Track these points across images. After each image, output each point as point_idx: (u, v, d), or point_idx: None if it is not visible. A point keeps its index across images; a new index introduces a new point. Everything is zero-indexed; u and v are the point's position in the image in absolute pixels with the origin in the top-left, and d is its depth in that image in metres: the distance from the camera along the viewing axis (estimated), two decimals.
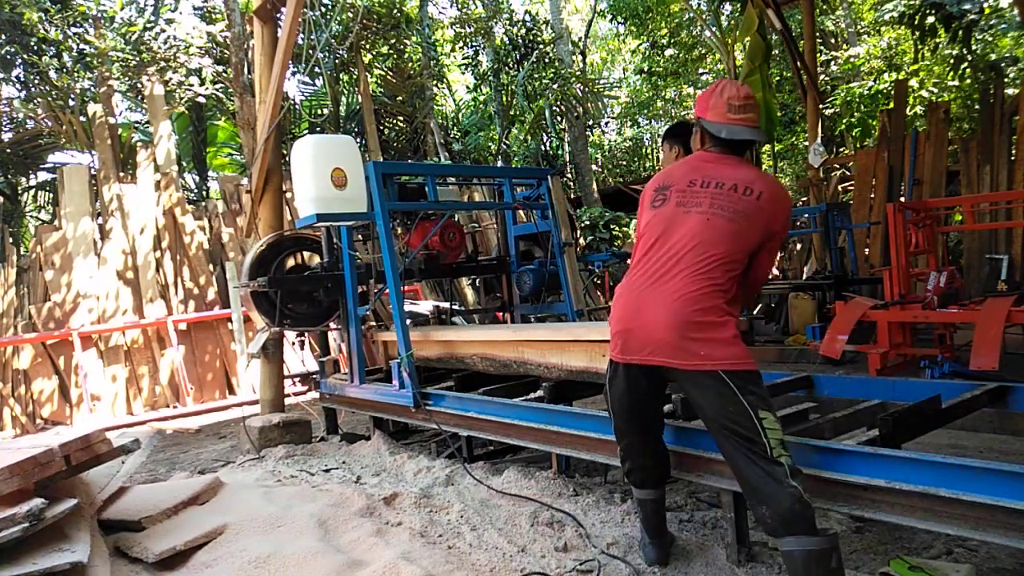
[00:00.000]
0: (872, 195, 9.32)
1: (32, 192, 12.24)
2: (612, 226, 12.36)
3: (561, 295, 4.81)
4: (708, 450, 2.44)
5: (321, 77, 11.31)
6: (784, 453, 1.98)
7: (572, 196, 13.94)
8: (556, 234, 4.69)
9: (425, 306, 7.28)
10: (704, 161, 2.31)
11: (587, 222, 12.26)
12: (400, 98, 12.65)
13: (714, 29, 12.96)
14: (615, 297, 2.32)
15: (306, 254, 5.10)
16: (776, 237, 2.25)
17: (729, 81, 2.37)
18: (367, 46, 11.19)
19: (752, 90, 2.36)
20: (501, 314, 5.36)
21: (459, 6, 13.62)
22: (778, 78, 13.09)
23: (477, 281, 8.66)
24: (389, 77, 12.41)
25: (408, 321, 4.20)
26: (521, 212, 5.08)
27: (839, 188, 11.27)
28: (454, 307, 6.80)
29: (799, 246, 10.80)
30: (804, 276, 9.42)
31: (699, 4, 13.71)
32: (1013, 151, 8.34)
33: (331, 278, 4.48)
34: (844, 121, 12.68)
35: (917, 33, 10.55)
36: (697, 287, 2.09)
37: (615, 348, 2.27)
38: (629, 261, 2.40)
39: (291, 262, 4.92)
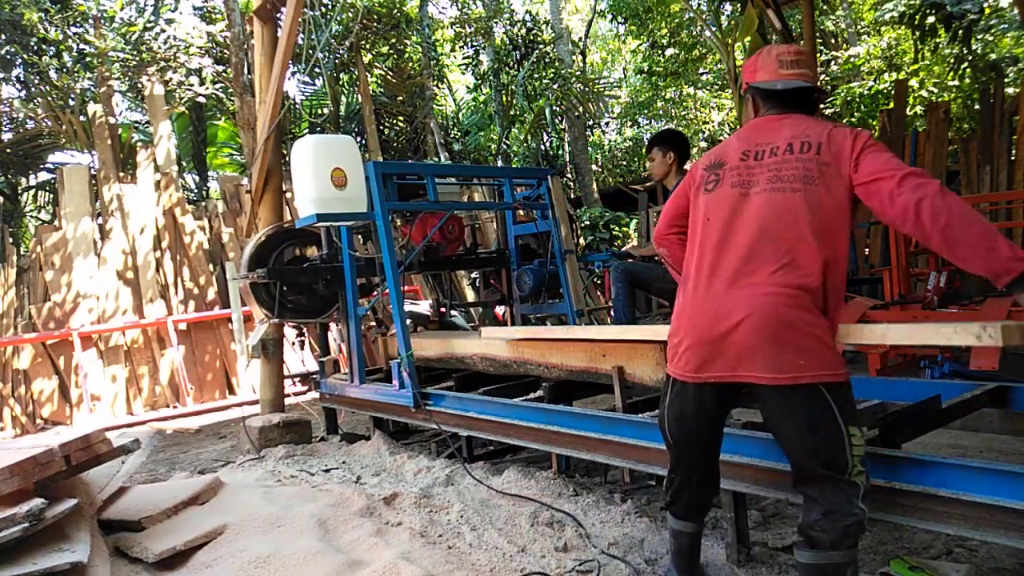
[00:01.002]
0: None
1: (32, 192, 12.24)
2: (612, 226, 12.36)
3: (561, 295, 4.81)
4: None
5: (321, 77, 11.31)
6: (862, 470, 1.80)
7: (572, 196, 13.94)
8: (556, 234, 4.69)
9: (424, 306, 7.28)
10: (757, 128, 2.05)
11: (587, 222, 12.26)
12: (400, 98, 12.65)
13: (714, 29, 12.95)
14: (678, 307, 2.03)
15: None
16: (865, 161, 1.81)
17: (775, 44, 2.16)
18: (367, 46, 11.20)
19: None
20: (500, 314, 5.36)
21: (459, 6, 13.61)
22: None
23: (477, 281, 8.66)
24: (389, 77, 12.41)
25: (408, 321, 4.20)
26: (521, 211, 5.08)
27: None
28: (453, 303, 6.79)
29: None
30: None
31: (699, 4, 13.69)
32: (1013, 151, 8.34)
33: (330, 270, 4.48)
34: (844, 121, 12.68)
35: (917, 33, 10.55)
36: (782, 283, 1.80)
37: (683, 364, 1.96)
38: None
39: (290, 255, 4.92)
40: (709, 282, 1.93)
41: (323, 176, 3.94)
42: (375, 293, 4.92)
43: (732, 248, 1.90)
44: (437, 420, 3.83)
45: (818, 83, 2.05)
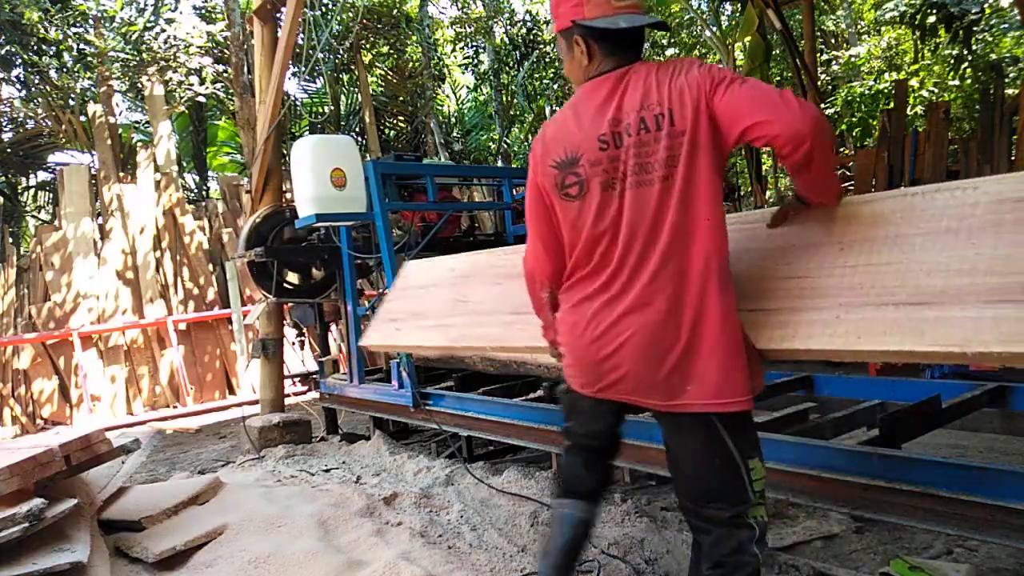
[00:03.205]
0: None
1: (32, 192, 12.25)
2: None
3: None
4: None
5: (321, 77, 11.32)
6: (760, 502, 1.63)
7: None
8: None
9: None
10: (599, 97, 1.65)
11: None
12: (400, 98, 12.65)
13: (714, 29, 12.96)
14: (560, 321, 1.80)
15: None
16: (724, 101, 1.54)
17: None
18: (367, 46, 11.20)
19: None
20: None
21: (459, 6, 13.62)
22: (778, 78, 13.09)
23: None
24: (389, 77, 12.42)
25: None
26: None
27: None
28: None
29: None
30: None
31: (699, 4, 13.71)
32: (1013, 151, 8.34)
33: (328, 249, 4.48)
34: (845, 121, 12.68)
35: (917, 33, 10.56)
36: (670, 294, 1.57)
37: (574, 379, 1.78)
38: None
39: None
40: (588, 297, 1.69)
41: (322, 176, 3.95)
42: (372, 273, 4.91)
43: (612, 258, 1.64)
44: (437, 420, 3.83)
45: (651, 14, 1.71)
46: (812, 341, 1.59)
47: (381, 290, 4.75)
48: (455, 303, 2.69)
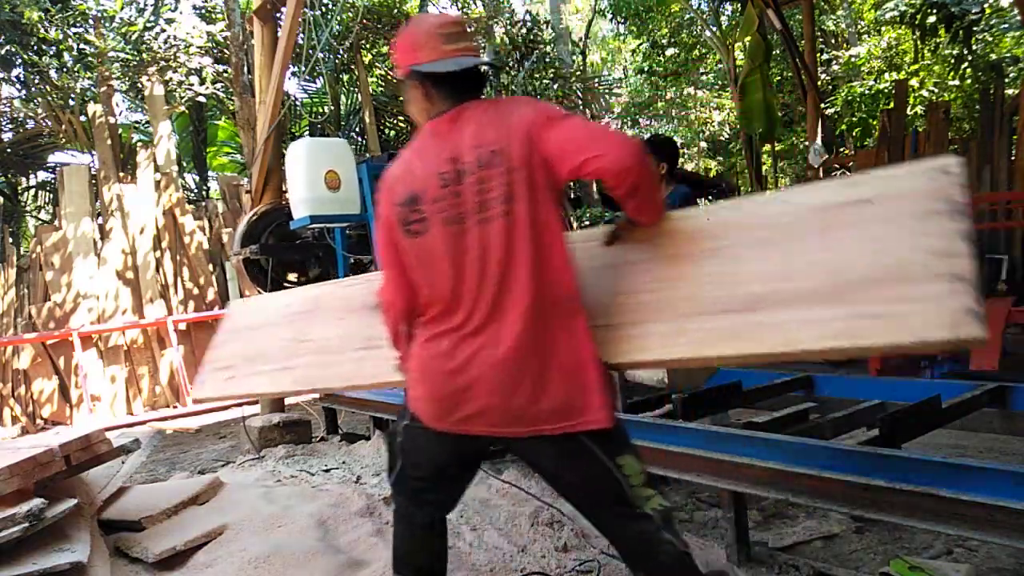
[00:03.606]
0: None
1: (32, 192, 12.24)
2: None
3: None
4: (708, 450, 2.44)
5: (321, 77, 11.32)
6: (650, 494, 1.67)
7: (572, 196, 13.94)
8: None
9: None
10: (439, 136, 1.73)
11: (587, 222, 12.26)
12: (400, 98, 12.65)
13: (714, 29, 12.96)
14: (415, 353, 1.81)
15: None
16: (553, 139, 1.64)
17: (424, 15, 1.80)
18: (367, 46, 11.20)
19: (750, 92, 1.99)
20: None
21: (459, 6, 13.62)
22: (778, 78, 13.08)
23: None
24: (389, 77, 12.42)
25: None
26: None
27: None
28: None
29: None
30: None
31: (699, 4, 13.71)
32: (1013, 151, 8.34)
33: (323, 247, 4.50)
34: (845, 121, 12.68)
35: (917, 33, 10.56)
36: (521, 326, 1.62)
37: (425, 412, 1.78)
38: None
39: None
40: (446, 334, 1.71)
41: (316, 178, 3.96)
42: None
43: (462, 295, 1.68)
44: None
45: (482, 56, 1.84)
46: (660, 352, 1.68)
47: None
48: (296, 343, 2.51)
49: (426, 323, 1.78)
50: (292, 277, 4.78)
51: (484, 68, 1.79)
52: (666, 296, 1.71)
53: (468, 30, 1.83)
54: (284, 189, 5.65)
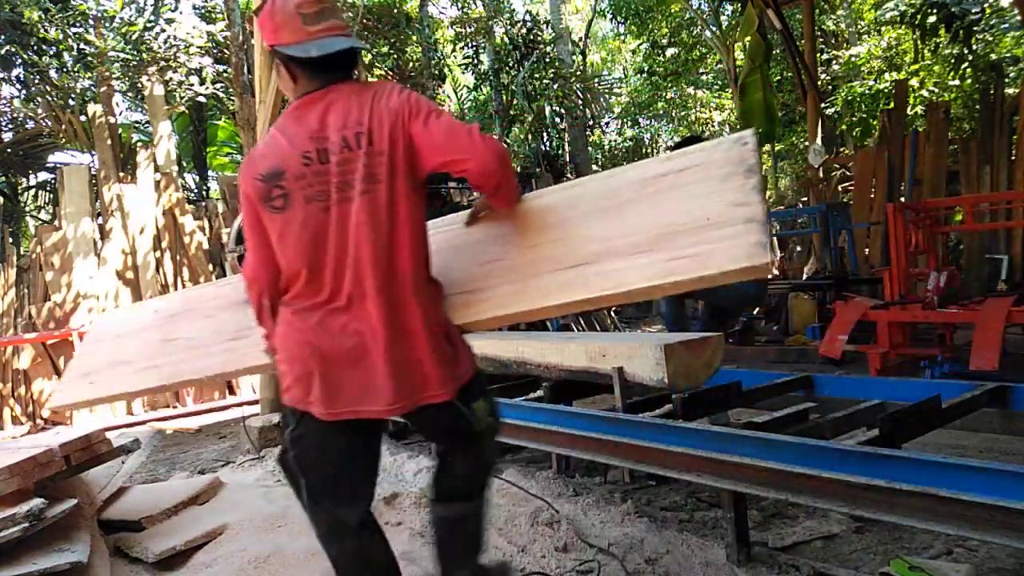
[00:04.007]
0: (872, 195, 9.32)
1: (32, 192, 12.25)
2: None
3: None
4: (708, 450, 2.44)
5: None
6: (491, 422, 1.97)
7: None
8: None
9: None
10: (302, 117, 1.75)
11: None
12: None
13: (714, 29, 12.97)
14: (281, 332, 1.83)
15: None
16: (422, 133, 1.71)
17: None
18: (367, 45, 11.19)
19: (750, 92, 2.15)
20: None
21: (459, 6, 13.63)
22: (778, 78, 13.09)
23: None
24: (390, 77, 12.42)
25: None
26: None
27: (839, 188, 11.27)
28: None
29: (799, 247, 10.81)
30: (804, 276, 9.42)
31: (699, 4, 13.72)
32: (1013, 151, 8.35)
33: None
34: (845, 121, 12.68)
35: (918, 33, 10.57)
36: (381, 302, 1.70)
37: (308, 400, 1.78)
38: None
39: None
40: (310, 310, 1.75)
41: None
42: None
43: (324, 272, 1.72)
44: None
45: (352, 36, 1.81)
46: (508, 307, 1.90)
47: None
48: (165, 343, 2.53)
49: (291, 298, 1.81)
50: None
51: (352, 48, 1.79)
52: (517, 262, 1.94)
53: (334, 5, 1.79)
54: None
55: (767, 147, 14.68)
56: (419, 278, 1.78)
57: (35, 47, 8.91)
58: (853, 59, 13.19)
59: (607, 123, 18.21)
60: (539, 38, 13.12)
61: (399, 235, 1.72)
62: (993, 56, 11.09)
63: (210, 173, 12.53)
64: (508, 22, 13.15)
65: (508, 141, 13.56)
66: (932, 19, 9.66)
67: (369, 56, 11.46)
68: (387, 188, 1.69)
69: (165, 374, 2.43)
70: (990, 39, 11.29)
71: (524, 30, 12.95)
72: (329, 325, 1.73)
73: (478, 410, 1.89)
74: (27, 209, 12.11)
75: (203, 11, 10.42)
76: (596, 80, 16.35)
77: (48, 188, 11.86)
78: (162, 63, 8.98)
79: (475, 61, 13.28)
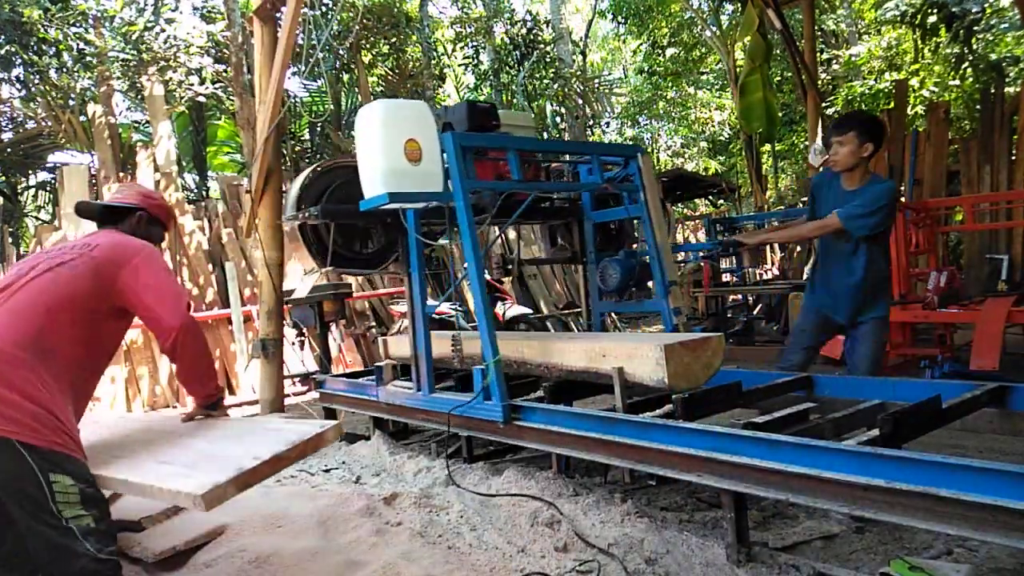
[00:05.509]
0: None
1: (32, 192, 12.24)
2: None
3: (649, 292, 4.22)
4: (708, 450, 2.44)
5: (321, 77, 11.32)
6: (81, 513, 1.95)
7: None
8: (648, 220, 3.86)
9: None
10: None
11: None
12: (401, 97, 12.66)
13: (714, 29, 12.97)
14: None
15: None
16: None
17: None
18: (367, 46, 11.20)
19: (750, 92, 2.04)
20: (500, 314, 5.21)
21: (459, 6, 13.63)
22: (778, 78, 13.10)
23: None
24: (389, 77, 12.42)
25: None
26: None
27: None
28: (454, 306, 6.71)
29: (799, 247, 10.80)
30: (804, 276, 9.42)
31: (699, 4, 13.72)
32: (1013, 151, 8.35)
33: (390, 212, 3.64)
34: None
35: (918, 32, 10.57)
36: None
37: None
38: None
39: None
40: None
41: (395, 148, 3.19)
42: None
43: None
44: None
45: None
46: (130, 474, 2.23)
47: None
48: None
49: None
50: (354, 247, 4.19)
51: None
52: (158, 450, 2.39)
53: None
54: (284, 189, 5.65)
55: (767, 147, 14.68)
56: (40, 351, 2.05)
57: (35, 47, 8.90)
58: (853, 59, 13.19)
59: (607, 123, 18.21)
60: (539, 38, 13.14)
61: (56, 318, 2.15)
62: (993, 56, 11.09)
63: (210, 173, 12.52)
64: (508, 22, 13.17)
65: None
66: (932, 19, 9.67)
67: (369, 56, 11.47)
68: (68, 284, 2.21)
69: None
70: (990, 39, 11.29)
71: (524, 30, 12.97)
72: None
73: (57, 485, 1.91)
74: (27, 209, 12.11)
75: (203, 11, 10.42)
76: (596, 80, 16.35)
77: (48, 188, 11.85)
78: (162, 63, 8.98)
79: (475, 61, 13.29)
